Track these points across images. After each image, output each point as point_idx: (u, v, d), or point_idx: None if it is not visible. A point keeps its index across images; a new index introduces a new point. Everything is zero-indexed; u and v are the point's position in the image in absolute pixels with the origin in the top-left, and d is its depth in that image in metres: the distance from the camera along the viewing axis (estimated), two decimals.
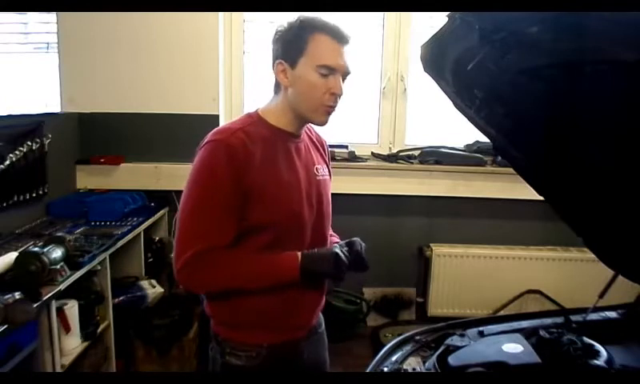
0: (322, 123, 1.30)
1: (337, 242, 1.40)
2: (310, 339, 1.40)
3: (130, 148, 3.03)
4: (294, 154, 1.31)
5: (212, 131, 1.27)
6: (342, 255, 1.26)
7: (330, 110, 1.26)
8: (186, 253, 1.20)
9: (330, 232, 1.49)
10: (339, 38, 1.22)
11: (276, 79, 1.28)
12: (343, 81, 1.25)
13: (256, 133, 1.26)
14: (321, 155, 1.43)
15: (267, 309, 1.29)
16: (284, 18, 1.27)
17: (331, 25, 1.22)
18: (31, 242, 2.13)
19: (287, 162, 1.29)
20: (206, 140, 1.25)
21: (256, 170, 1.22)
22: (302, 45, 1.22)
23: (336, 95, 1.24)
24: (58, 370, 1.92)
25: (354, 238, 1.35)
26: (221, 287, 1.28)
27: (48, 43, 3.09)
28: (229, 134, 1.23)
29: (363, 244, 1.34)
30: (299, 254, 1.26)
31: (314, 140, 1.43)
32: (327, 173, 1.43)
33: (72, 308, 2.06)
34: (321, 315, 1.49)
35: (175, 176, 2.92)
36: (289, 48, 1.24)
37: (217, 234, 1.21)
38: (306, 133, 1.40)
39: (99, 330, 2.27)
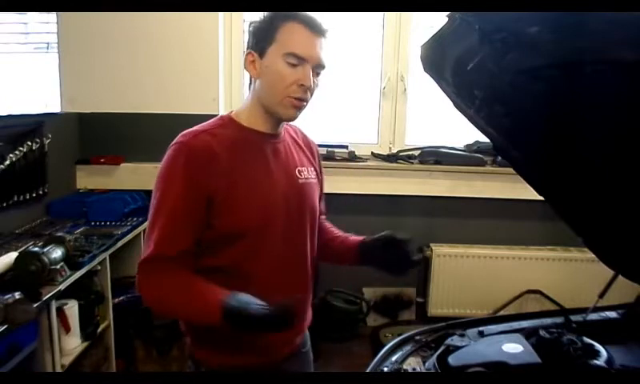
0: (291, 118, 1.21)
1: (361, 240, 1.34)
2: (292, 360, 1.32)
3: (130, 148, 3.03)
4: (269, 155, 1.23)
5: (181, 133, 1.20)
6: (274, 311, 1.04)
7: (297, 103, 1.17)
8: (140, 259, 1.15)
9: (339, 232, 1.45)
10: (312, 26, 1.14)
11: (249, 74, 1.21)
12: (317, 75, 1.18)
13: (224, 135, 1.19)
14: (306, 157, 1.34)
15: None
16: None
17: (305, 14, 1.15)
18: (31, 242, 2.13)
19: (260, 165, 1.21)
20: (173, 142, 1.19)
21: (221, 173, 1.14)
22: (272, 32, 1.14)
23: (304, 87, 1.15)
24: (58, 369, 1.92)
25: (390, 233, 1.29)
26: (158, 305, 1.19)
27: (48, 43, 3.09)
28: (192, 136, 1.17)
29: (407, 239, 1.28)
30: (224, 296, 1.07)
31: (299, 141, 1.35)
32: (314, 176, 1.33)
33: (72, 308, 2.06)
34: (307, 333, 1.41)
35: None
36: (259, 37, 1.17)
37: (168, 242, 1.12)
38: (290, 134, 1.33)
39: (99, 330, 2.27)
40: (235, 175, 1.16)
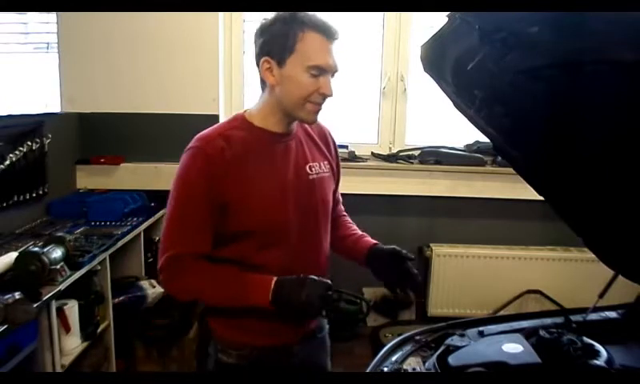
0: (313, 121, 1.29)
1: (372, 245, 1.39)
2: (305, 344, 1.37)
3: (130, 148, 3.03)
4: (280, 155, 1.28)
5: (196, 136, 1.27)
6: (320, 288, 1.18)
7: (318, 108, 1.25)
8: (164, 254, 1.23)
9: (355, 229, 1.50)
10: (329, 34, 1.19)
11: (261, 77, 1.25)
12: (332, 77, 1.24)
13: (237, 137, 1.24)
14: (320, 151, 1.38)
15: (262, 311, 1.23)
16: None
17: (320, 21, 1.19)
18: (31, 242, 2.13)
19: (271, 166, 1.26)
20: (189, 145, 1.26)
21: (234, 178, 1.21)
22: (290, 42, 1.18)
23: (325, 95, 1.22)
24: (58, 369, 1.92)
25: (398, 249, 1.34)
26: (196, 297, 1.31)
27: (48, 43, 3.09)
28: (207, 141, 1.23)
29: (411, 256, 1.34)
30: (273, 280, 1.19)
31: (314, 135, 1.38)
32: (327, 169, 1.37)
33: (72, 308, 2.06)
34: (324, 320, 1.47)
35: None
36: (276, 45, 1.19)
37: (191, 241, 1.22)
38: (304, 129, 1.36)
39: (99, 330, 2.27)
40: (248, 179, 1.22)
